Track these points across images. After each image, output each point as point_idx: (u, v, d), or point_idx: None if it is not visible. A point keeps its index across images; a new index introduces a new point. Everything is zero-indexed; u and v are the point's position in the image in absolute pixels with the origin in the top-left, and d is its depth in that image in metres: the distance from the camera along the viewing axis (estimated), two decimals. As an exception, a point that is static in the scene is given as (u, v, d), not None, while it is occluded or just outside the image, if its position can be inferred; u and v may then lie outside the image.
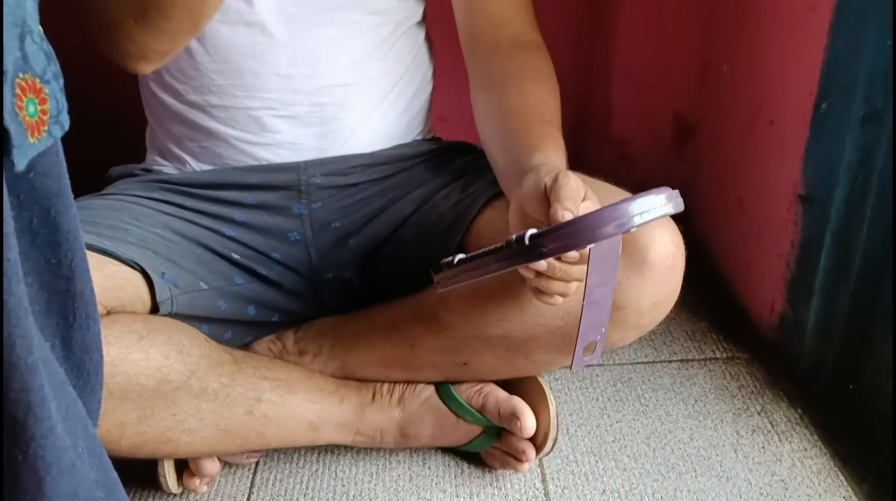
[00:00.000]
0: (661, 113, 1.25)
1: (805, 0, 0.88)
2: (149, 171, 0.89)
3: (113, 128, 1.11)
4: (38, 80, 0.35)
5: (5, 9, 0.33)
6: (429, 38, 0.93)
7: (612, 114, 1.26)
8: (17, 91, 0.34)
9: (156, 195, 0.85)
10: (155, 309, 0.77)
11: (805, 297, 0.92)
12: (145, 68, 0.74)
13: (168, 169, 0.88)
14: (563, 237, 0.55)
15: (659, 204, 0.56)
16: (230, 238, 0.84)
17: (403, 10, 0.86)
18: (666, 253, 0.70)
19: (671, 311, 0.74)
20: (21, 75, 0.34)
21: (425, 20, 0.91)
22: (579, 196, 0.61)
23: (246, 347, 0.85)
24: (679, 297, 0.73)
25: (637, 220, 0.55)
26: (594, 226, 0.55)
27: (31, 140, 0.35)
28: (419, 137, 0.93)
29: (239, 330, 0.84)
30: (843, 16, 0.82)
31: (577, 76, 1.27)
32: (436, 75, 0.94)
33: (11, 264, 0.32)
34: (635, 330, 0.73)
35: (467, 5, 0.85)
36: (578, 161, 1.30)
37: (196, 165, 0.86)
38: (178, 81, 0.83)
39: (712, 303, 1.11)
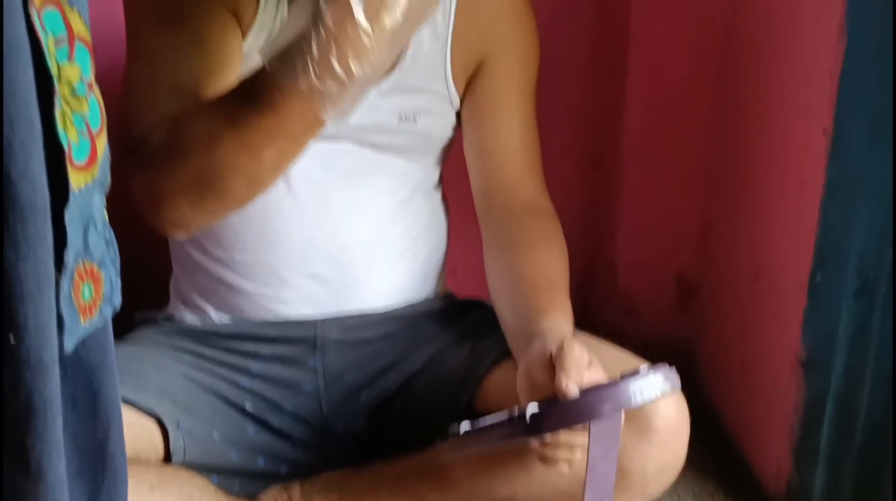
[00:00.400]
0: (665, 270, 1.29)
1: (797, 175, 0.94)
2: (171, 319, 0.92)
3: (140, 272, 1.16)
4: (95, 265, 0.39)
5: (74, 206, 0.37)
6: (444, 198, 0.98)
7: (617, 270, 1.30)
8: (76, 277, 0.38)
9: (176, 343, 0.88)
10: (168, 457, 0.79)
11: (811, 462, 0.92)
12: (182, 236, 0.79)
13: (189, 318, 0.91)
14: (563, 416, 0.58)
15: (657, 384, 0.59)
16: (245, 389, 0.86)
17: (421, 173, 0.92)
18: (670, 419, 0.72)
19: (677, 471, 0.75)
20: (80, 262, 0.38)
21: (441, 181, 0.97)
22: (584, 364, 0.64)
23: (253, 498, 0.85)
24: (685, 456, 0.74)
25: (635, 400, 0.58)
26: (593, 405, 0.57)
27: (83, 322, 0.38)
28: (433, 294, 0.96)
29: (247, 482, 0.85)
30: (833, 193, 0.87)
31: (584, 233, 1.33)
32: (449, 231, 0.99)
33: (55, 443, 0.35)
34: (641, 496, 0.74)
35: (482, 171, 0.91)
36: (585, 315, 1.34)
37: (216, 316, 0.90)
38: (205, 236, 0.88)
39: (719, 463, 1.11)
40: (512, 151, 0.90)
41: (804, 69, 0.93)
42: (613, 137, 1.28)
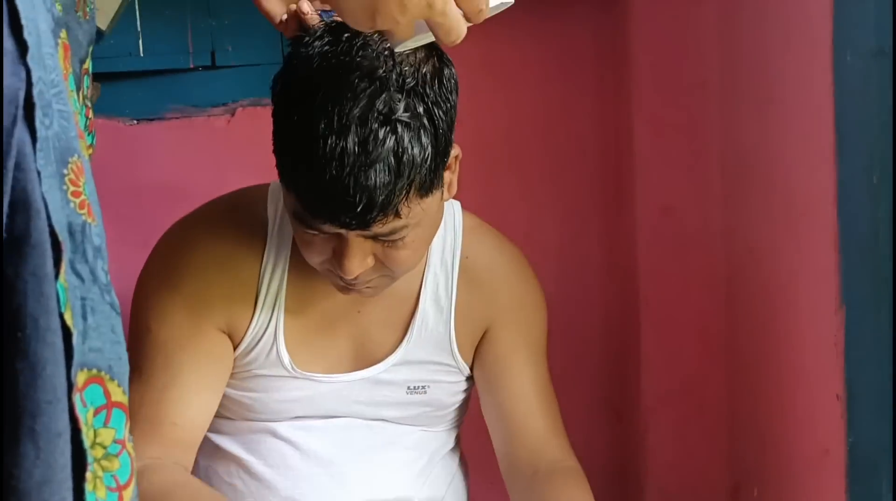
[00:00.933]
0: (698, 531, 1.24)
1: (816, 442, 0.93)
2: None
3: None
4: None
5: None
6: (463, 459, 0.98)
7: (648, 530, 1.26)
8: None
9: None
10: None
11: None
12: None
13: None
14: None
15: None
16: None
17: (437, 441, 0.93)
18: None
19: None
20: None
21: (459, 444, 0.97)
22: None
23: None
24: None
25: None
26: None
27: None
28: (453, 560, 0.94)
29: None
30: (856, 463, 0.86)
31: (612, 491, 1.30)
32: (472, 491, 0.98)
33: None
34: None
35: (503, 434, 0.91)
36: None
37: None
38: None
39: None
40: (531, 412, 0.90)
41: (807, 336, 0.95)
42: (633, 391, 1.29)
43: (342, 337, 0.88)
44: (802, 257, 0.97)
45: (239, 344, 0.85)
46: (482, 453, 0.96)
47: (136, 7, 1.16)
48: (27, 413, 0.33)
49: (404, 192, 0.70)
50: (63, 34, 0.43)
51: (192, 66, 1.21)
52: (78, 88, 0.46)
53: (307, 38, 0.71)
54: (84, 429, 0.37)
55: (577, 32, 1.28)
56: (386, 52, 0.70)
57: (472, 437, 0.99)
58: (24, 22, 0.36)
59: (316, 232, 0.73)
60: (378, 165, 0.68)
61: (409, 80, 0.69)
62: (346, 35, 0.70)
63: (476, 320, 0.90)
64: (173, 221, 0.90)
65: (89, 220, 0.40)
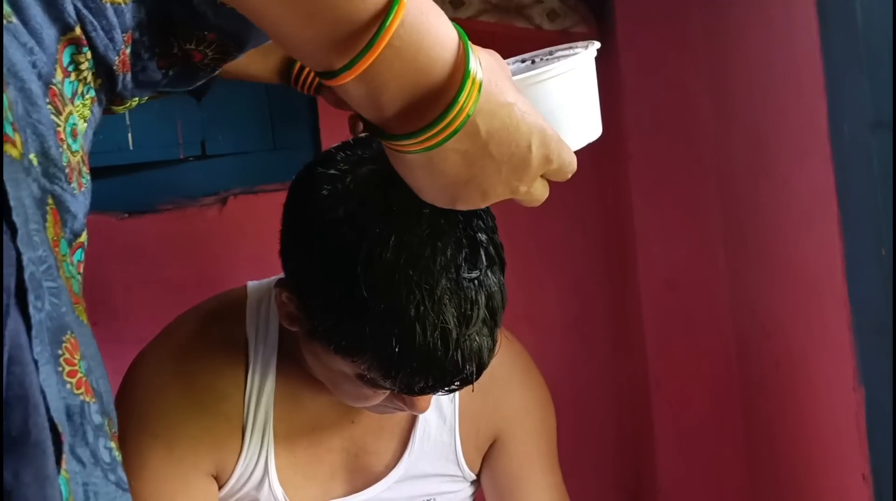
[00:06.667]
0: None
1: None
2: None
3: None
4: None
5: None
6: None
7: None
8: None
9: None
10: None
11: None
12: None
13: None
14: None
15: None
16: None
17: None
18: None
19: None
20: None
21: None
22: None
23: None
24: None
25: None
26: None
27: None
28: None
29: None
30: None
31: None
32: None
33: None
34: None
35: None
36: None
37: None
38: None
39: None
40: None
41: (827, 415, 0.91)
42: (649, 475, 1.24)
43: (336, 452, 0.82)
44: (814, 332, 0.93)
45: (227, 482, 0.78)
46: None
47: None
48: None
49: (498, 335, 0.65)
50: (50, 200, 0.40)
51: (182, 156, 1.20)
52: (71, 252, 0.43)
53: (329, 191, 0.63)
54: None
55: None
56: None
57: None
58: (12, 203, 0.34)
59: (386, 391, 0.68)
60: (481, 328, 0.63)
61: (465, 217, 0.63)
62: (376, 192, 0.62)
63: (483, 428, 0.84)
64: (169, 314, 0.84)
65: (87, 399, 0.37)
